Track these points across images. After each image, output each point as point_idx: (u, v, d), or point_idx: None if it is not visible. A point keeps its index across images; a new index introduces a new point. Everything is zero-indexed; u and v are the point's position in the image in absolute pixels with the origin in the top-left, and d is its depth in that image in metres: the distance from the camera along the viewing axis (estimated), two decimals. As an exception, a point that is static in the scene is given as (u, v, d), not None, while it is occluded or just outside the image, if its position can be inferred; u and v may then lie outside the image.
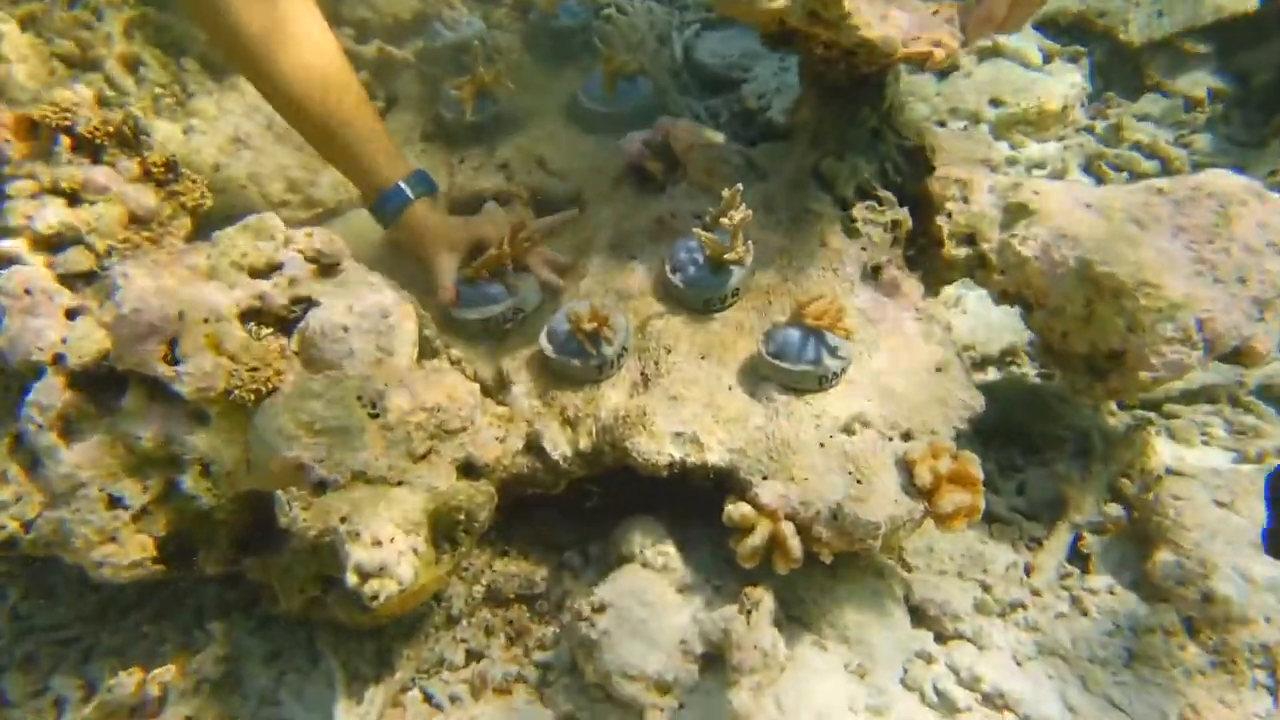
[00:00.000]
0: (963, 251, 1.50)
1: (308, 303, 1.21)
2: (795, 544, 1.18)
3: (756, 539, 1.20)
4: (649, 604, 1.27)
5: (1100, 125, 2.85)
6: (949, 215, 1.51)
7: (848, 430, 1.30)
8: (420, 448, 1.14)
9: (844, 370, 1.34)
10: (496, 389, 1.51)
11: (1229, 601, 1.19)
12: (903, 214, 1.52)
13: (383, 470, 1.12)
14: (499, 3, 2.50)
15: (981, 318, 2.10)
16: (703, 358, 1.44)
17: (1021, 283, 1.42)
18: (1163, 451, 1.58)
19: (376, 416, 1.13)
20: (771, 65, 2.99)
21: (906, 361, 1.41)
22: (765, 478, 1.26)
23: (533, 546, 1.54)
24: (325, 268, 1.25)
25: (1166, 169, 2.61)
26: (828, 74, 1.67)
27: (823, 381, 1.33)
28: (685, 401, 1.36)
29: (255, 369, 1.09)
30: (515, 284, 1.54)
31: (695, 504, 1.42)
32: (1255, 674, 1.17)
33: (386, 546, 1.05)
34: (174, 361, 1.07)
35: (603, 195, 2.02)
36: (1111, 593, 1.29)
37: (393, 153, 1.61)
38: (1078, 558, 1.43)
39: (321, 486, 1.10)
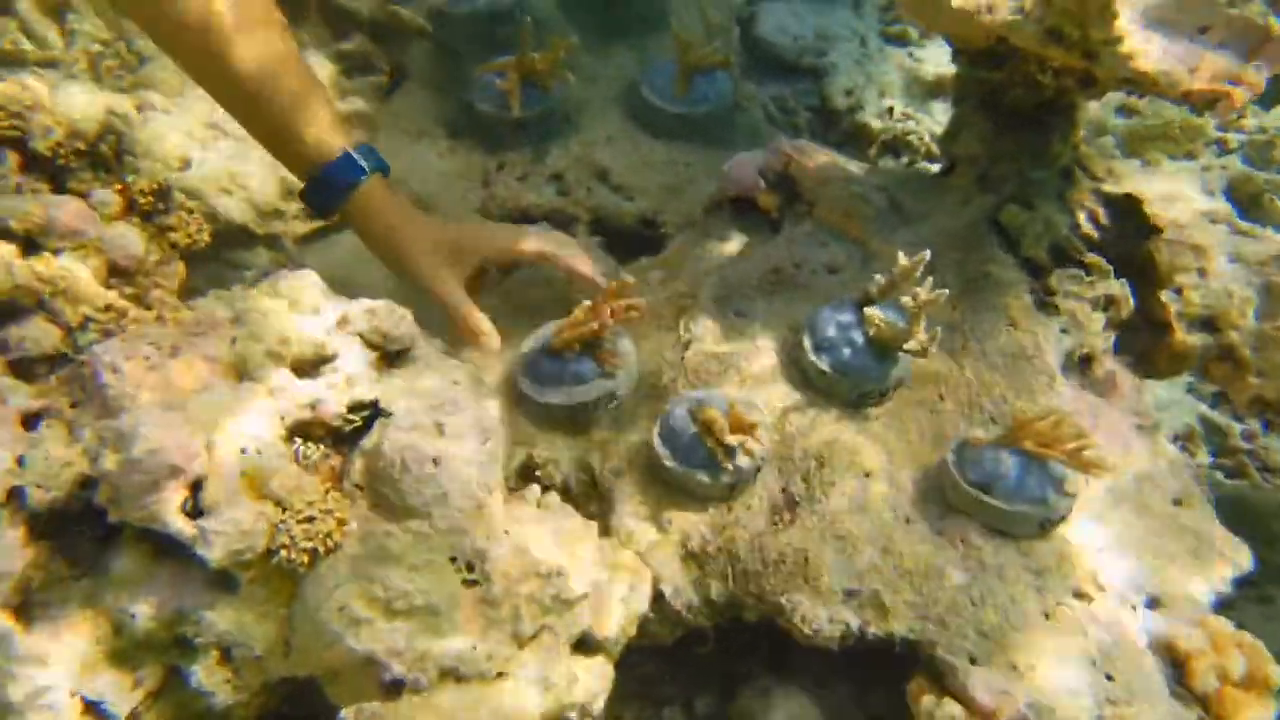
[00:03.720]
0: (1198, 339, 1.30)
1: (372, 409, 0.97)
2: (1031, 767, 0.98)
3: (975, 754, 0.99)
4: (810, 822, 1.06)
5: (1234, 139, 2.68)
6: (1178, 291, 1.32)
7: (1079, 595, 1.10)
8: (529, 627, 0.92)
9: (1070, 510, 1.14)
10: (584, 498, 1.29)
11: None
12: (1120, 288, 1.32)
13: (480, 662, 0.89)
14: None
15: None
16: (866, 475, 1.23)
17: (1288, 393, 1.23)
18: None
19: (474, 584, 0.90)
20: (852, 50, 2.78)
21: (1134, 493, 1.21)
22: (974, 661, 1.06)
23: (624, 702, 1.32)
24: (391, 356, 1.02)
25: (1324, 200, 2.45)
26: (1006, 96, 1.46)
27: (1044, 526, 1.13)
28: (856, 543, 1.15)
29: (310, 519, 0.86)
30: (612, 361, 1.32)
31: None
32: None
33: (496, 784, 0.83)
34: (195, 512, 0.83)
35: (688, 226, 1.80)
36: None
37: (338, 119, 1.36)
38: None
39: (396, 688, 0.87)
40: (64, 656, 0.84)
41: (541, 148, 1.99)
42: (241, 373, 0.92)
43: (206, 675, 0.87)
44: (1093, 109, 2.64)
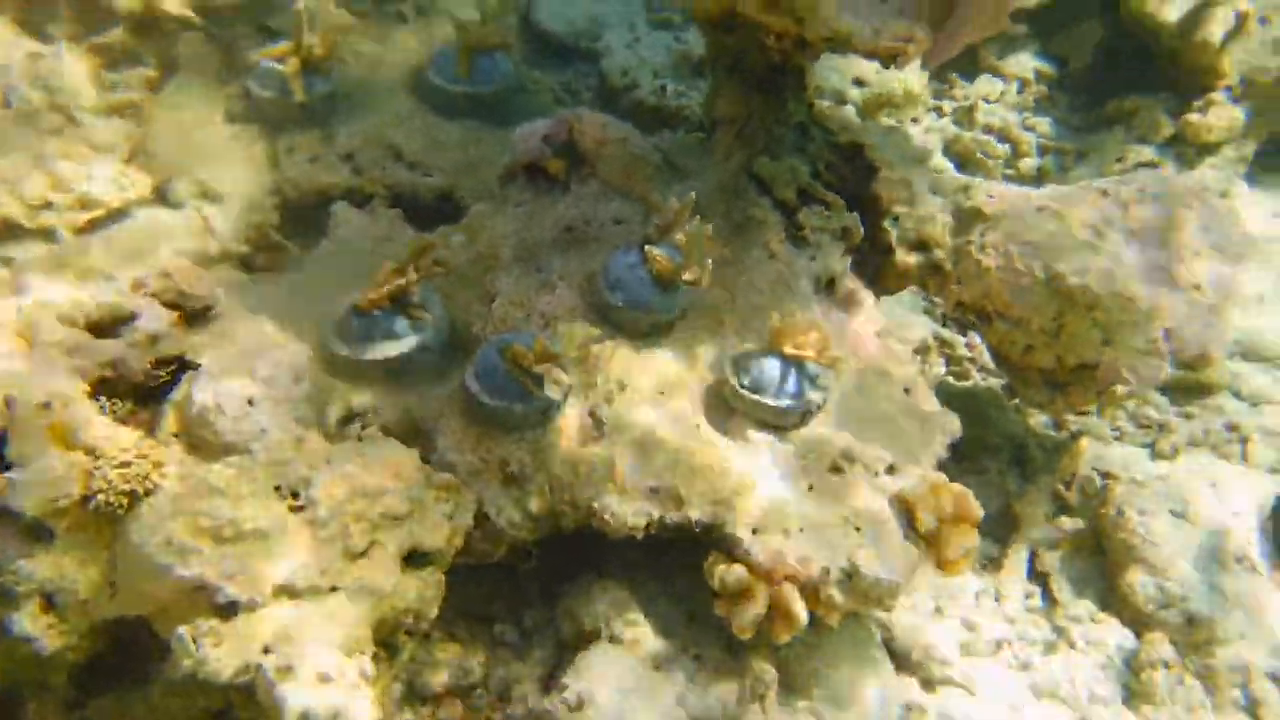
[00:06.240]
0: (914, 259, 1.54)
1: (178, 363, 0.98)
2: (800, 610, 1.15)
3: (758, 607, 1.15)
4: (629, 690, 1.18)
5: (948, 106, 3.06)
6: (895, 220, 1.55)
7: (835, 469, 1.28)
8: (360, 543, 0.97)
9: (825, 401, 1.32)
10: (408, 440, 1.33)
11: (1212, 624, 1.31)
12: (853, 220, 1.53)
13: (313, 578, 0.93)
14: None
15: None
16: (660, 393, 1.37)
17: (981, 294, 1.49)
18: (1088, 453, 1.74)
19: (301, 509, 0.94)
20: (622, 34, 2.95)
21: (874, 384, 1.42)
22: (755, 531, 1.22)
23: (457, 622, 1.38)
24: (193, 314, 1.02)
25: (1017, 153, 2.87)
26: (746, 61, 1.64)
27: (806, 417, 1.31)
28: (655, 449, 1.27)
29: (125, 464, 0.86)
30: (421, 316, 1.36)
31: (635, 547, 1.34)
32: (1234, 693, 1.31)
33: (337, 682, 0.88)
34: (4, 466, 0.82)
35: (485, 196, 1.86)
36: (1093, 620, 1.39)
37: None
38: (1036, 576, 1.53)
39: (230, 609, 0.90)
40: None
41: (329, 130, 1.98)
42: (34, 338, 0.90)
43: (30, 622, 0.86)
44: (834, 81, 2.95)
